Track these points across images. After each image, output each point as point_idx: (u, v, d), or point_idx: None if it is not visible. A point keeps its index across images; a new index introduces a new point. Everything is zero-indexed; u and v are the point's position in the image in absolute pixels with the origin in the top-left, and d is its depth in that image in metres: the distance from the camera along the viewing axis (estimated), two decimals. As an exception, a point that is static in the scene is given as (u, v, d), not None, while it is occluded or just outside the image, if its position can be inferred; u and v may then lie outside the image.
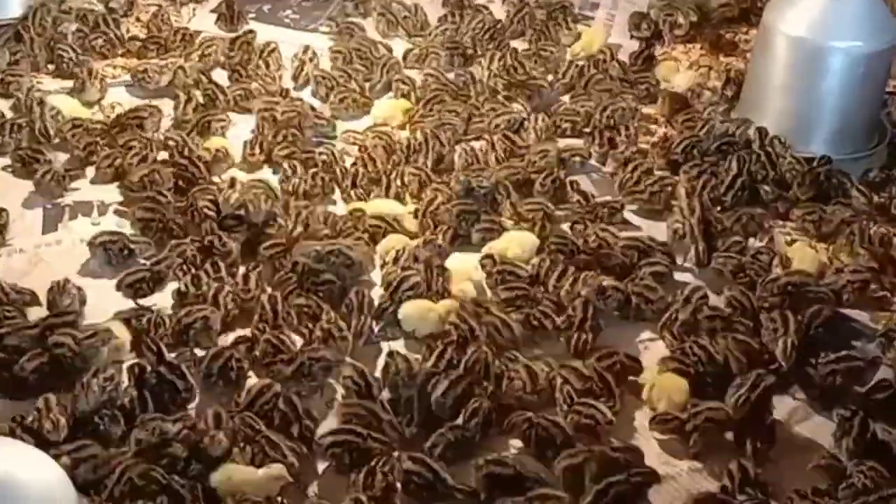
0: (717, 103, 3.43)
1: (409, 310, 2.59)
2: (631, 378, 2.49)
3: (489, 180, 2.98)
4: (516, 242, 2.79)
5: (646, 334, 2.64)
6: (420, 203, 2.95)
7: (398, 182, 3.01)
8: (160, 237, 2.80)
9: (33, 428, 2.22)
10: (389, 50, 3.63)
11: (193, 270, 2.67)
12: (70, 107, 3.26)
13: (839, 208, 3.00)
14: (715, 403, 2.38)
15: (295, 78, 3.49)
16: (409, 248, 2.76)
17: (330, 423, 2.34)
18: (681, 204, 2.93)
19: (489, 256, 2.75)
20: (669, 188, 3.04)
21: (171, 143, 3.11)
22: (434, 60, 3.60)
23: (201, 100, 3.31)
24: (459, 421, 2.30)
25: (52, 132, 3.13)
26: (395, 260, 2.73)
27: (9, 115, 3.25)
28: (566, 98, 3.48)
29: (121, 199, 2.97)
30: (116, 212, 2.95)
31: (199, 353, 2.48)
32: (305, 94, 3.46)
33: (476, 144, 3.20)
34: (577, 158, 3.16)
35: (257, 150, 3.14)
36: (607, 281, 2.65)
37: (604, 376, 2.42)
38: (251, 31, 3.66)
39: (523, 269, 2.71)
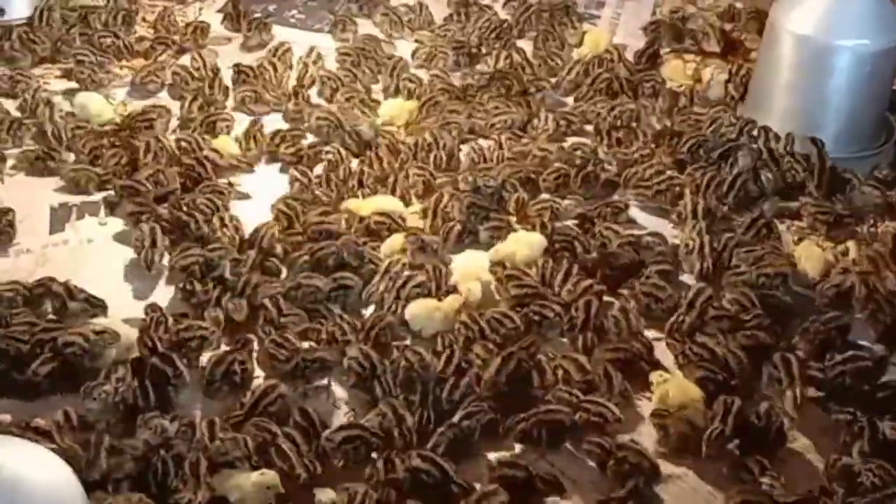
0: (723, 102, 3.43)
1: (416, 309, 2.58)
2: (639, 374, 2.48)
3: (496, 179, 2.98)
4: (524, 243, 2.77)
5: (654, 333, 2.62)
6: (427, 202, 2.94)
7: (404, 182, 3.01)
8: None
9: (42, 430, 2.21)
10: (395, 51, 3.62)
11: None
12: (98, 105, 3.25)
13: (852, 206, 2.99)
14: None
15: (300, 79, 3.48)
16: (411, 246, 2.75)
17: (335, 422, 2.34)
18: (687, 209, 2.93)
19: (499, 264, 2.73)
20: (676, 188, 3.03)
21: (184, 144, 3.10)
22: (441, 60, 3.59)
23: (205, 99, 3.30)
24: (455, 419, 2.29)
25: (63, 135, 3.11)
26: (394, 263, 2.71)
27: (15, 114, 3.24)
28: (571, 98, 3.48)
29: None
30: (106, 202, 2.92)
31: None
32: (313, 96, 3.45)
33: (483, 143, 3.20)
34: (579, 153, 3.15)
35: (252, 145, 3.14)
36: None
37: (608, 370, 2.42)
38: (264, 24, 3.69)
39: (531, 276, 2.69)
